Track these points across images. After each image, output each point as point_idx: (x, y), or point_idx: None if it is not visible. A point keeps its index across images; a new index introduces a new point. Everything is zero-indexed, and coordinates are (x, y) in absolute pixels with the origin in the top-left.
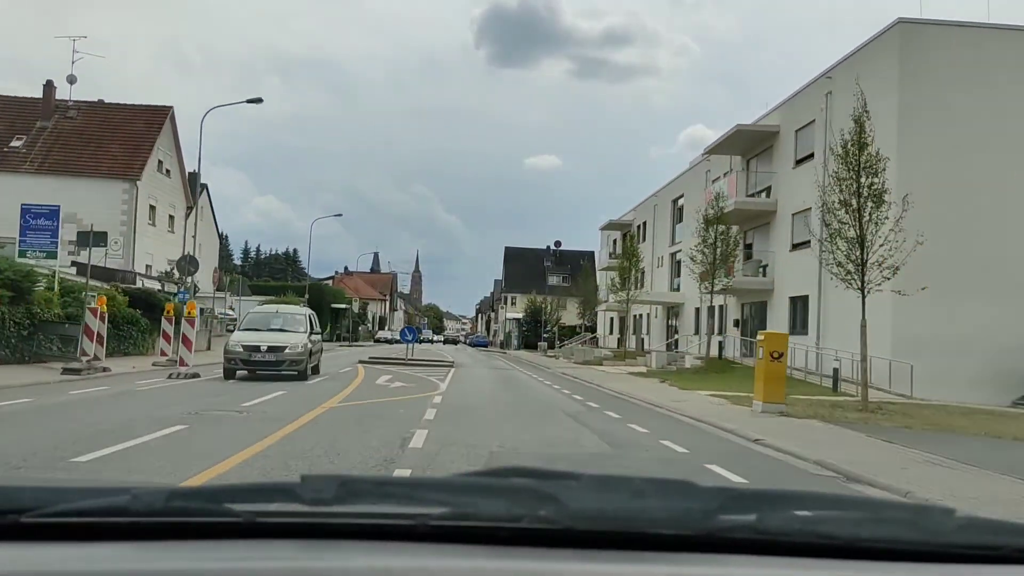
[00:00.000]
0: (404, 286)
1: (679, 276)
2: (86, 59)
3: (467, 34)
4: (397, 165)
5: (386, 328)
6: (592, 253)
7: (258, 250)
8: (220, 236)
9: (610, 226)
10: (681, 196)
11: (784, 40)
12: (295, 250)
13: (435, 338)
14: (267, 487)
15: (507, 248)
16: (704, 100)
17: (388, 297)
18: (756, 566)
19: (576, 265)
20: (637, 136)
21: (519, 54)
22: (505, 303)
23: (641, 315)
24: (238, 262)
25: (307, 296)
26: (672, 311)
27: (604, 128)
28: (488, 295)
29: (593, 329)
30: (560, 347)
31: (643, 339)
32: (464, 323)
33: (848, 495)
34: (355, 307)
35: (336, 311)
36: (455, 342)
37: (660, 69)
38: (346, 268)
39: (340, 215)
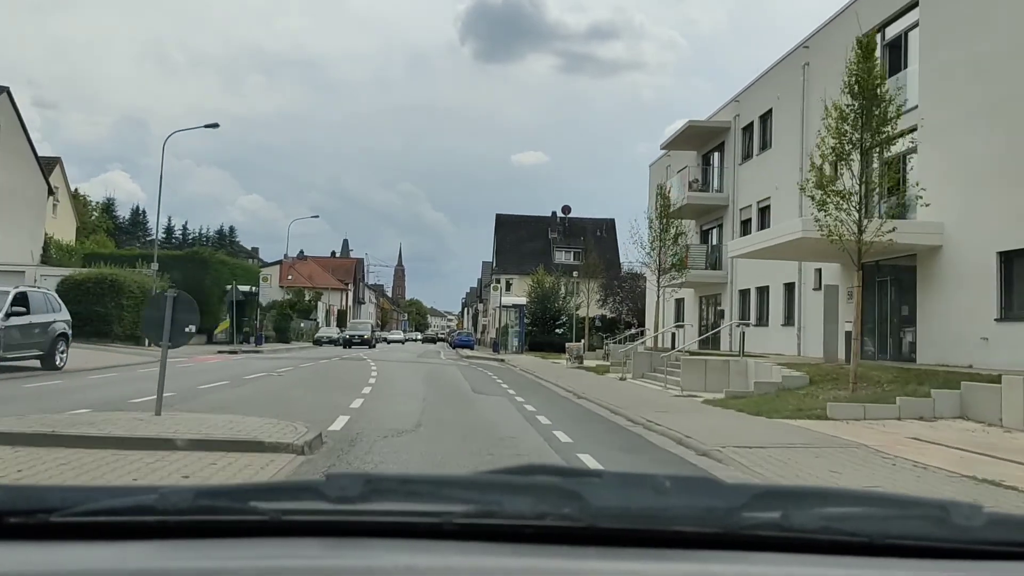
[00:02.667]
0: (384, 279)
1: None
2: (67, 60)
3: (452, 30)
4: (383, 163)
5: (345, 324)
6: (609, 221)
7: (184, 228)
8: (77, 196)
9: (682, 140)
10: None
11: (771, 34)
12: (231, 228)
13: (416, 336)
14: (292, 485)
15: (499, 216)
16: (690, 95)
17: (352, 287)
18: (781, 564)
19: (593, 237)
20: (623, 131)
21: (504, 50)
22: (497, 288)
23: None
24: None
25: (155, 265)
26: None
27: (590, 123)
28: (475, 285)
29: (632, 322)
30: (607, 350)
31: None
32: (450, 319)
33: (875, 493)
34: (306, 297)
35: (245, 297)
36: (434, 340)
37: (646, 63)
38: (301, 252)
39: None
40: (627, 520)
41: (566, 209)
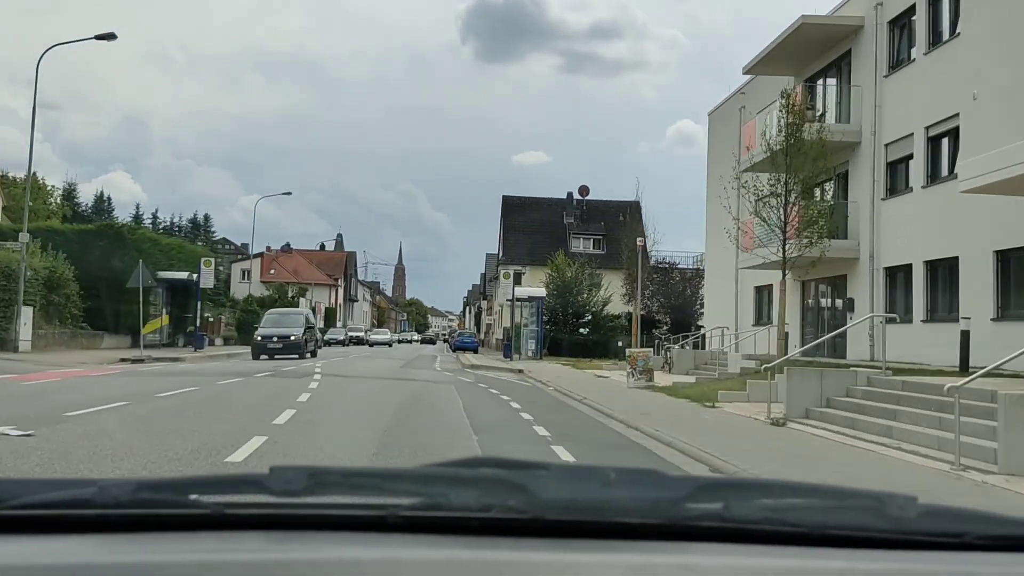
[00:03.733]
0: (384, 279)
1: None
2: (65, 58)
3: (453, 30)
4: (383, 163)
5: (334, 323)
6: (634, 204)
7: (154, 216)
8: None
9: (777, 58)
10: None
11: (775, 32)
12: (205, 215)
13: (412, 337)
14: (235, 478)
15: (507, 199)
16: (693, 95)
17: (343, 282)
18: (723, 554)
19: (613, 222)
20: (625, 131)
21: (506, 49)
22: (508, 278)
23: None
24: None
25: (24, 237)
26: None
27: (591, 123)
28: (477, 282)
29: (663, 320)
30: (668, 358)
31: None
32: (451, 319)
33: (814, 484)
34: (289, 294)
35: (183, 285)
36: (433, 341)
37: (649, 63)
38: (287, 244)
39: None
40: (573, 512)
41: (583, 190)
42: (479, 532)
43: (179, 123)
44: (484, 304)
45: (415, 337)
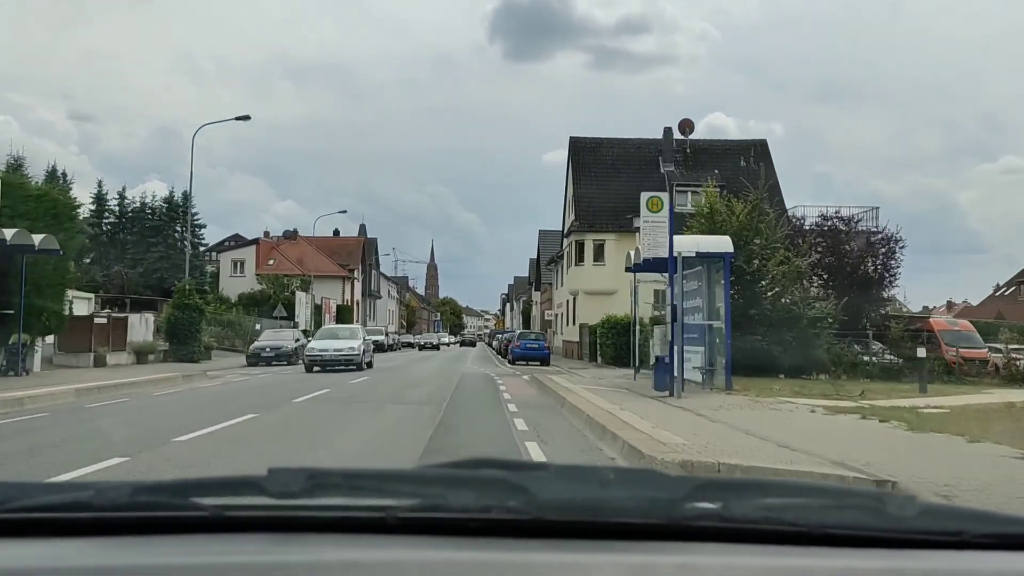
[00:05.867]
0: (417, 280)
1: None
2: (96, 72)
3: (480, 30)
4: (413, 165)
5: (347, 323)
6: (760, 143)
7: (121, 195)
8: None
9: None
10: None
11: (804, 24)
12: (184, 193)
13: (447, 340)
14: (234, 481)
15: (576, 141)
16: (723, 87)
17: (360, 274)
18: (721, 553)
19: (732, 169)
20: (655, 127)
21: (533, 48)
22: (578, 254)
23: None
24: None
25: None
26: None
27: (622, 120)
28: (521, 274)
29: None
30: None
31: None
32: (488, 319)
33: (812, 483)
34: (287, 288)
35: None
36: (473, 343)
37: (678, 57)
38: (293, 230)
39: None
40: (572, 512)
41: (686, 126)
42: (478, 533)
43: (211, 131)
44: (538, 296)
45: (444, 339)
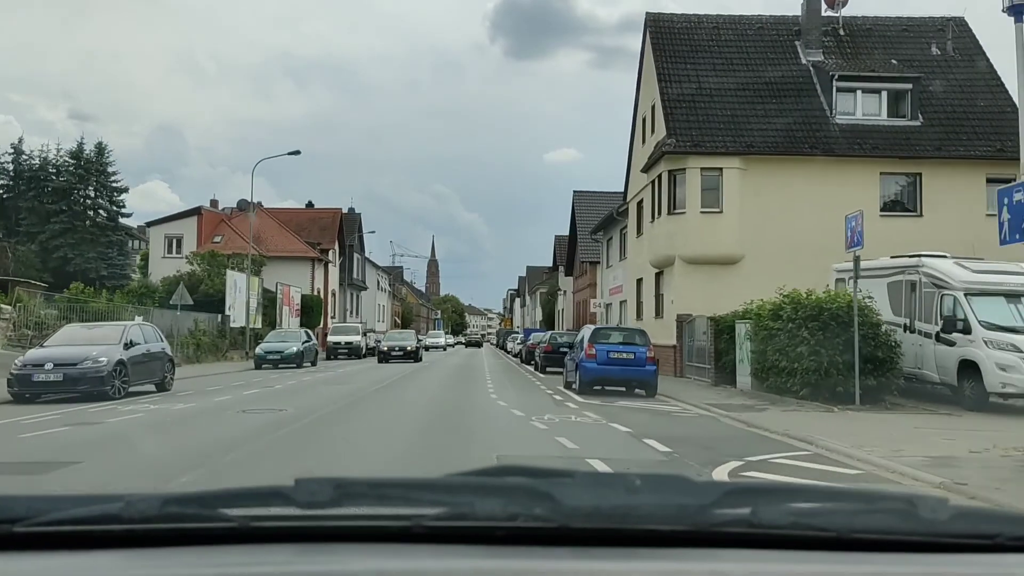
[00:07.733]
0: (415, 274)
1: None
2: (96, 72)
3: (481, 29)
4: (415, 165)
5: (323, 323)
6: (957, 21)
7: (16, 151)
8: None
9: None
10: None
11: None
12: (100, 144)
13: (448, 341)
14: (261, 491)
15: (653, 19)
16: None
17: (337, 256)
18: (751, 560)
19: (918, 60)
20: None
21: (535, 47)
22: (671, 196)
23: None
24: None
25: None
26: None
27: (623, 118)
28: (523, 274)
29: None
30: None
31: None
32: (491, 318)
33: (842, 487)
34: (226, 273)
35: None
36: (479, 344)
37: None
38: (246, 200)
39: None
40: (599, 519)
41: None
42: (505, 541)
43: (213, 131)
44: (570, 283)
45: (440, 340)
